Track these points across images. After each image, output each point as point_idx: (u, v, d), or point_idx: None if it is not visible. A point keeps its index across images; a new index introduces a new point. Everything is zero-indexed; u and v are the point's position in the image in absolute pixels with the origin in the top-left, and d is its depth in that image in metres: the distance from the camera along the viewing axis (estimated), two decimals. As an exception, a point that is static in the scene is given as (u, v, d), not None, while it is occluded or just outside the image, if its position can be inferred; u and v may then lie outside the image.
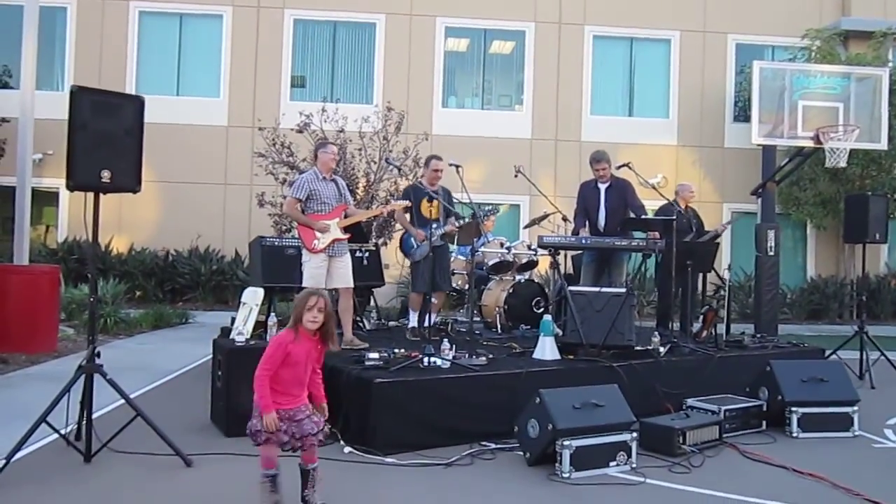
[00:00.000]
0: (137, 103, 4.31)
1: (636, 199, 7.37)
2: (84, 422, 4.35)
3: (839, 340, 8.39)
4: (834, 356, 7.73)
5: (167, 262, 14.54)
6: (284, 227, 11.24)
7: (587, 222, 7.53)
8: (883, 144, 10.09)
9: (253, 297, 5.79)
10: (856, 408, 5.54)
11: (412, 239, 7.15)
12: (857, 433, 5.49)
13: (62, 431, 4.28)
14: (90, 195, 4.32)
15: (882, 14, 16.03)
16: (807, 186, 15.48)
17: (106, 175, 4.12)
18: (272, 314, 5.82)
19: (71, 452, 4.31)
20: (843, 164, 9.77)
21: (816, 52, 15.19)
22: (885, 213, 8.52)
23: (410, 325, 7.39)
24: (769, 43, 16.52)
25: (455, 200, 7.55)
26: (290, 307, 9.13)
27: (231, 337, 5.50)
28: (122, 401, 5.02)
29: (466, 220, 7.14)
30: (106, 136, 4.13)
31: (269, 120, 12.00)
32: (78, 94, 4.06)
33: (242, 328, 5.51)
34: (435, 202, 6.94)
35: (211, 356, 7.37)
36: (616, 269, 7.25)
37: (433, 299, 7.03)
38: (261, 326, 6.08)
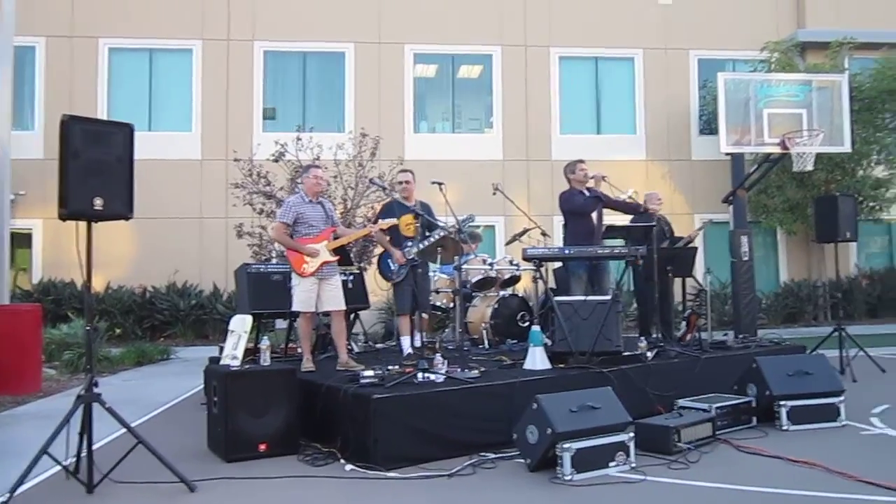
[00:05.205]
0: (127, 131, 4.34)
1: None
2: (84, 453, 4.31)
3: (817, 341, 8.56)
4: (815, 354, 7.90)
5: (145, 299, 14.42)
6: (264, 257, 11.25)
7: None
8: (846, 147, 10.43)
9: (241, 324, 5.77)
10: (842, 398, 5.68)
11: (389, 260, 7.15)
12: (844, 423, 5.62)
13: (64, 463, 4.24)
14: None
15: (836, 25, 16.58)
16: (775, 193, 15.84)
17: (98, 203, 4.14)
18: (264, 338, 5.82)
19: (73, 484, 4.27)
20: (809, 167, 10.06)
21: (776, 63, 15.64)
22: (854, 212, 8.80)
23: (406, 351, 7.11)
24: (730, 57, 16.97)
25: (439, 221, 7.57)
26: (277, 336, 9.17)
27: (224, 363, 5.48)
28: (118, 433, 5.02)
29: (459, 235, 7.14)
30: (98, 165, 4.15)
31: (243, 152, 12.04)
32: (69, 123, 4.09)
33: (234, 353, 5.50)
34: (413, 218, 6.91)
35: (199, 387, 7.39)
36: (605, 277, 7.36)
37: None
38: (250, 353, 6.08)
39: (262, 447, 5.04)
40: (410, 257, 7.00)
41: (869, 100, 15.08)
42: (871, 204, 15.58)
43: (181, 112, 15.57)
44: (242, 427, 5.01)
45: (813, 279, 16.64)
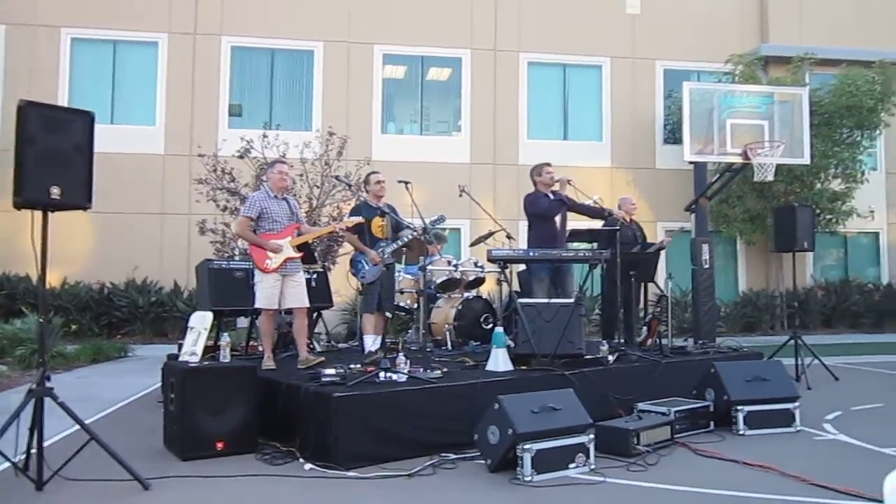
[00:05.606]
0: (87, 119, 4.24)
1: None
2: (34, 449, 4.19)
3: (774, 349, 8.71)
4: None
5: (103, 295, 14.12)
6: (227, 255, 11.10)
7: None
8: (805, 159, 10.65)
9: (201, 321, 5.68)
10: (797, 404, 5.79)
11: (363, 260, 7.10)
12: (798, 428, 5.73)
13: (13, 459, 4.12)
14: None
15: (798, 41, 16.94)
16: (735, 203, 16.12)
17: (55, 191, 4.04)
18: (224, 334, 5.73)
19: (22, 481, 4.15)
20: (770, 177, 10.23)
21: (739, 76, 15.93)
22: (812, 223, 8.99)
23: (369, 348, 7.01)
24: (695, 69, 17.21)
25: (405, 222, 7.55)
26: (238, 335, 9.05)
27: (182, 359, 5.39)
28: (71, 430, 4.91)
29: (424, 235, 7.12)
30: (55, 152, 4.04)
31: (207, 147, 11.88)
32: (26, 108, 3.99)
33: (194, 349, 5.41)
34: (385, 219, 6.95)
35: (157, 386, 7.26)
36: (569, 280, 7.39)
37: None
38: (210, 351, 5.98)
39: (220, 445, 4.96)
40: (385, 257, 7.00)
41: (828, 115, 15.43)
42: (827, 216, 15.94)
43: (145, 105, 15.28)
44: (200, 425, 4.93)
45: (771, 289, 16.95)
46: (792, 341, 8.64)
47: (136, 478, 4.23)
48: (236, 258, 10.52)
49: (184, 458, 4.86)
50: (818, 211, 15.21)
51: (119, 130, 14.60)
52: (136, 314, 14.03)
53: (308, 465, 4.71)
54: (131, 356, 11.56)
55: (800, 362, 8.37)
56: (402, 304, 8.49)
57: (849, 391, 7.88)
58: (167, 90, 15.34)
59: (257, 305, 6.15)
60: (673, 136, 16.78)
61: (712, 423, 5.79)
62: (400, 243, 7.04)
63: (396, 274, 8.37)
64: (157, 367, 6.71)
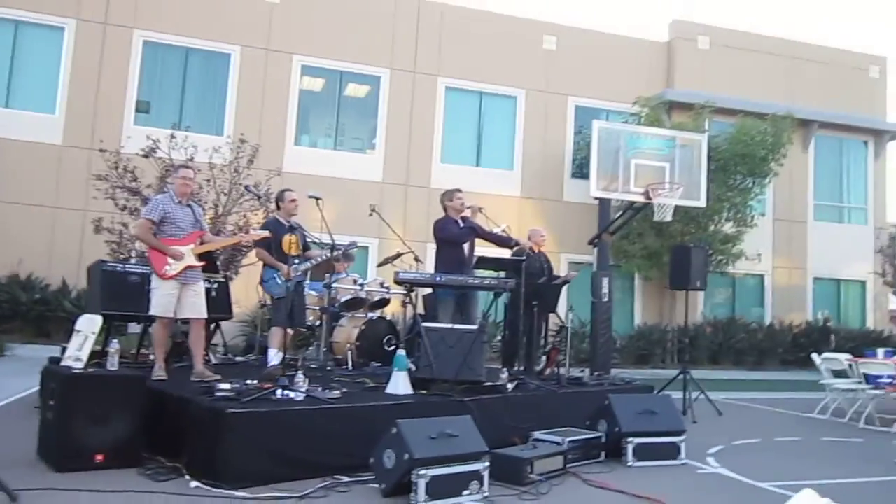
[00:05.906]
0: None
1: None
2: None
3: (664, 383, 9.05)
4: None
5: (-20, 288, 13.26)
6: (123, 256, 10.65)
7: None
8: (702, 202, 11.17)
9: (89, 324, 5.42)
10: (683, 437, 6.02)
11: (276, 276, 6.94)
12: (683, 461, 5.95)
13: None
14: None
15: (701, 88, 17.85)
16: (635, 240, 16.73)
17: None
18: (114, 341, 5.46)
19: None
20: (668, 218, 10.66)
21: (645, 118, 16.64)
22: (706, 263, 9.41)
23: (271, 363, 6.74)
24: (604, 107, 17.86)
25: (310, 239, 7.44)
26: (129, 341, 8.67)
27: (65, 364, 5.10)
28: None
29: (334, 253, 7.03)
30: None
31: (110, 143, 11.41)
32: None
33: (78, 354, 5.14)
34: (296, 236, 6.81)
35: (34, 389, 6.82)
36: (474, 307, 7.46)
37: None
38: (97, 357, 5.70)
39: (100, 458, 4.70)
40: (297, 274, 6.86)
41: (724, 161, 16.32)
42: (719, 257, 16.78)
43: (45, 92, 14.51)
44: (79, 435, 4.66)
45: (664, 324, 17.64)
46: (681, 376, 8.98)
47: (2, 488, 3.95)
48: (133, 261, 10.10)
49: (59, 470, 4.59)
50: (710, 252, 15.98)
51: (14, 115, 13.87)
52: (18, 311, 13.22)
53: (194, 483, 4.52)
54: (8, 355, 10.92)
55: (687, 396, 8.71)
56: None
57: (731, 426, 8.25)
58: (71, 79, 14.65)
59: (152, 312, 5.91)
60: (580, 170, 17.29)
61: (603, 454, 5.93)
62: (313, 263, 6.94)
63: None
64: (36, 370, 6.30)
